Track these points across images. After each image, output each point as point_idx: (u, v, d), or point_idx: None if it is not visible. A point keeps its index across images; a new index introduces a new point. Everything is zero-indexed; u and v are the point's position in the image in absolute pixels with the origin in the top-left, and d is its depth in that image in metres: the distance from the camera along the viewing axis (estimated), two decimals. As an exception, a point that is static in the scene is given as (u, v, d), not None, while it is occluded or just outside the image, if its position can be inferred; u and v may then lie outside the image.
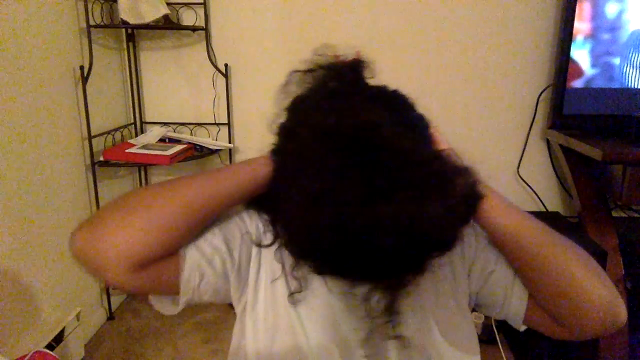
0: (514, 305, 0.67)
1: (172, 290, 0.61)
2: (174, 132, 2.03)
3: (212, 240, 0.63)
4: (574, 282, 0.58)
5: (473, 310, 0.75)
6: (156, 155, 1.75)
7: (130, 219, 0.55)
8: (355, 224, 0.48)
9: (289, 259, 0.67)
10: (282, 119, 0.65)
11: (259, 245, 0.68)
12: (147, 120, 2.05)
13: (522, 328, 0.69)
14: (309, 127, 0.56)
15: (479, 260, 0.70)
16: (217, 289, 0.64)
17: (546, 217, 1.87)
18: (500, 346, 1.68)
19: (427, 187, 0.49)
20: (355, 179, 0.49)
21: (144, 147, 1.82)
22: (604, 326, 0.58)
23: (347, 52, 0.68)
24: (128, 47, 1.96)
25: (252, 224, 0.68)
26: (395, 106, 0.63)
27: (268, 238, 0.68)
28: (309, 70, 0.65)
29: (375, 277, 0.55)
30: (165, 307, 0.64)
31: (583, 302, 0.58)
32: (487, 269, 0.70)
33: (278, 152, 0.65)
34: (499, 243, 0.66)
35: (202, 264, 0.61)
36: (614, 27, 1.62)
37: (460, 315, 0.69)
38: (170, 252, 0.59)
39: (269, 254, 0.68)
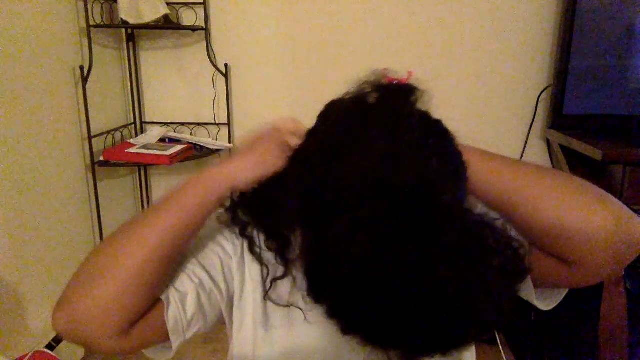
0: None
1: (165, 337, 0.59)
2: (174, 132, 2.03)
3: (192, 276, 0.61)
4: (567, 216, 0.53)
5: None
6: (156, 155, 1.75)
7: (95, 291, 0.53)
8: (414, 292, 0.42)
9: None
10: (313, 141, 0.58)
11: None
12: (147, 120, 2.05)
13: (537, 300, 0.61)
14: (358, 171, 0.47)
15: None
16: (208, 321, 0.63)
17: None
18: (500, 346, 1.68)
19: (482, 257, 0.44)
20: (411, 244, 0.43)
21: (144, 147, 1.82)
22: (617, 251, 0.52)
23: (397, 74, 0.60)
24: (128, 47, 1.96)
25: (228, 243, 0.66)
26: (443, 149, 0.53)
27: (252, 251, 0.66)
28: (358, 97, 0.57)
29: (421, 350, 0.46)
30: (159, 354, 0.63)
31: (583, 232, 0.52)
32: None
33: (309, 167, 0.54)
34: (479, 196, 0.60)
35: (187, 305, 0.60)
36: (614, 26, 1.62)
37: None
38: (150, 303, 0.57)
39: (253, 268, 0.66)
